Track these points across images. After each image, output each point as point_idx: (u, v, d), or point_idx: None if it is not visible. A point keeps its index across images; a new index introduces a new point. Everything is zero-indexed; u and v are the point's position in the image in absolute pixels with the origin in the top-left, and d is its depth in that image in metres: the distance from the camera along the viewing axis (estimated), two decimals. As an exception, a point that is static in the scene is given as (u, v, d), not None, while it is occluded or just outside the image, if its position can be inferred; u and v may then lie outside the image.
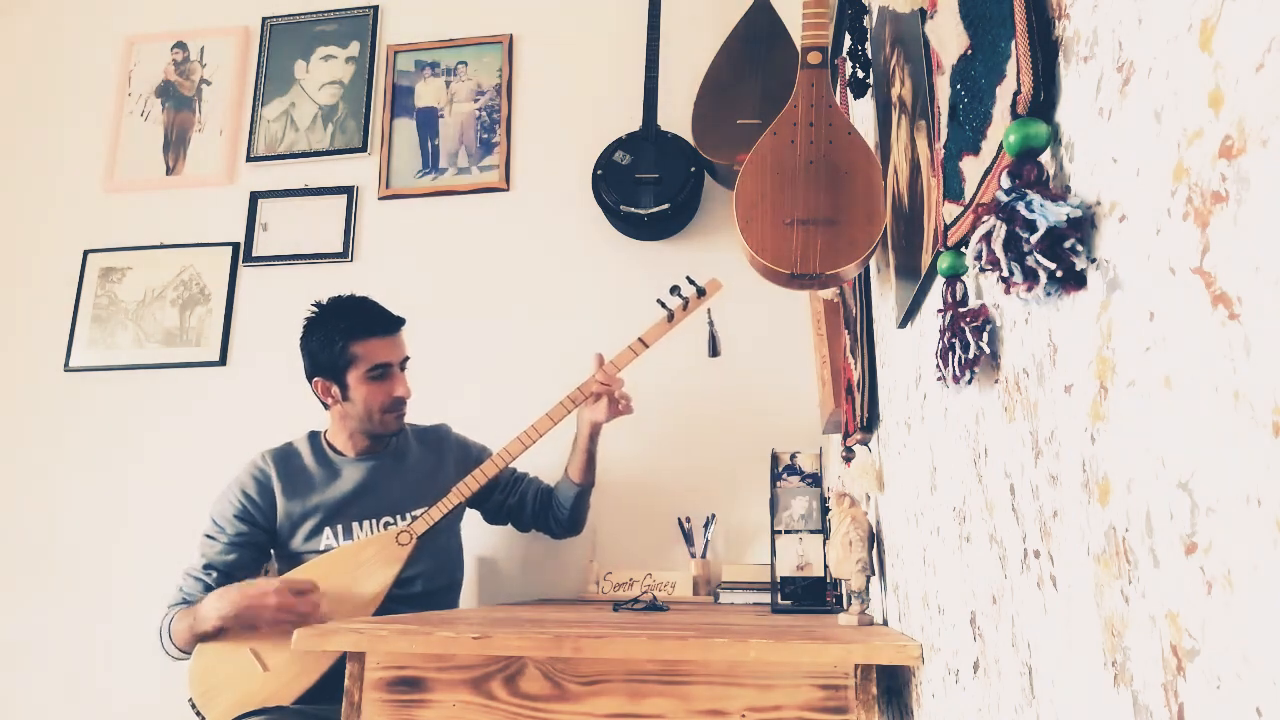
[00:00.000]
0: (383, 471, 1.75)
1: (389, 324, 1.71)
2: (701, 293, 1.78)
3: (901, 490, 1.01)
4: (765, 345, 2.13)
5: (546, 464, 1.93)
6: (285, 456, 1.73)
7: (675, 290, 1.76)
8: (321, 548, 1.66)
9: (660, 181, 2.17)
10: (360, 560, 1.60)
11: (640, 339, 1.77)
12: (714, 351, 1.82)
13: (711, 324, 1.81)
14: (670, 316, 1.77)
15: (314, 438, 1.78)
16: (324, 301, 1.73)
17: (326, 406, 1.74)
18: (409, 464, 1.79)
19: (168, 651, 1.57)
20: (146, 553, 2.24)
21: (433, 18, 2.57)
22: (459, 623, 1.10)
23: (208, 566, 1.61)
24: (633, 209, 2.16)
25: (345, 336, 1.67)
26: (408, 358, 1.75)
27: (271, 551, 1.72)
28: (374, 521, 1.70)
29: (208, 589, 1.59)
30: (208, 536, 1.65)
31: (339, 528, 1.68)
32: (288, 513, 1.67)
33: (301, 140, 2.54)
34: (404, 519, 1.70)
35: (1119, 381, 0.39)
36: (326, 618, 1.52)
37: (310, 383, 1.72)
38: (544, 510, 1.89)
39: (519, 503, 1.89)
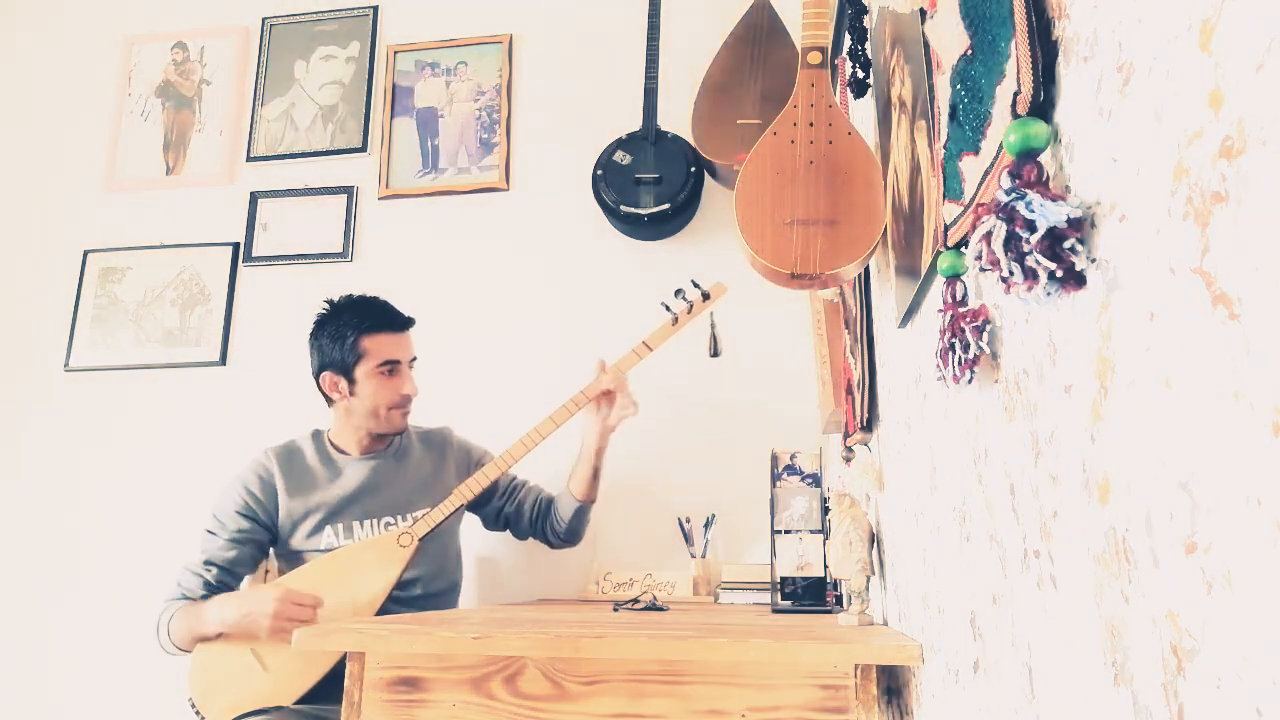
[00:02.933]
0: (385, 471, 1.75)
1: (400, 322, 1.73)
2: (706, 296, 1.77)
3: (901, 490, 1.01)
4: (765, 345, 2.13)
5: (550, 471, 1.93)
6: (288, 454, 1.73)
7: (680, 293, 1.76)
8: (322, 546, 1.66)
9: (660, 181, 2.17)
10: (361, 562, 1.60)
11: (644, 342, 1.76)
12: (715, 352, 1.81)
13: (714, 325, 1.80)
14: (675, 320, 1.76)
15: (317, 436, 1.78)
16: (336, 299, 1.74)
17: (331, 403, 1.74)
18: (411, 464, 1.79)
19: (164, 648, 1.58)
20: (146, 552, 2.24)
21: (433, 18, 2.57)
22: (459, 623, 1.09)
23: (208, 562, 1.62)
24: (633, 209, 2.16)
25: (357, 331, 1.68)
26: (415, 358, 1.76)
27: (271, 550, 1.72)
28: (375, 521, 1.70)
29: (206, 584, 1.59)
30: (209, 532, 1.65)
31: (340, 526, 1.68)
32: (289, 510, 1.68)
33: (301, 140, 2.54)
34: (405, 519, 1.70)
35: (1119, 381, 0.39)
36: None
37: (317, 379, 1.73)
38: (542, 520, 1.88)
39: (517, 511, 1.88)
